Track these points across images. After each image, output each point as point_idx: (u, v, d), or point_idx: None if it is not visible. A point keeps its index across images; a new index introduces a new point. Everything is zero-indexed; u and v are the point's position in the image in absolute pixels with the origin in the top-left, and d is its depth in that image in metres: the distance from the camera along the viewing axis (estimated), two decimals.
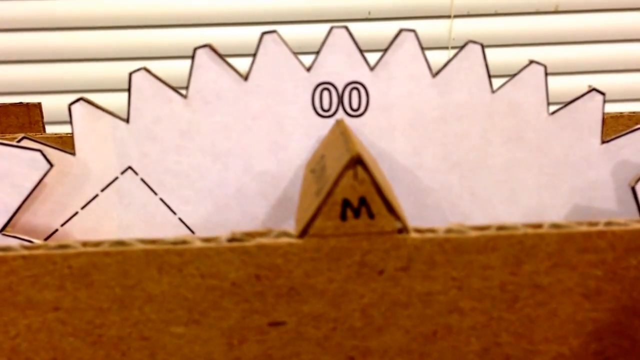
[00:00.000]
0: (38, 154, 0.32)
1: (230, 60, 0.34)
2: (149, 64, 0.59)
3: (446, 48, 0.62)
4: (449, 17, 0.63)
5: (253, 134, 0.35)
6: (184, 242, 0.26)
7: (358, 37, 0.64)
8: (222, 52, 0.33)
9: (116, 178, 0.35)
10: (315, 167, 0.31)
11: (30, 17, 0.60)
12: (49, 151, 0.33)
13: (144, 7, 0.63)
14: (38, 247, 0.26)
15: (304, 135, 0.35)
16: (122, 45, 0.65)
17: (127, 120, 0.34)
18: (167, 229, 0.35)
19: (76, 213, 0.35)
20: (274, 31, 0.34)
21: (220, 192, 0.35)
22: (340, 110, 0.35)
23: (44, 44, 0.62)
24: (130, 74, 0.33)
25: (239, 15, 0.62)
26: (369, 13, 0.62)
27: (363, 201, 0.26)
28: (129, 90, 0.34)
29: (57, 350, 0.27)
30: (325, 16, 0.61)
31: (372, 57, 0.61)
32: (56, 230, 0.35)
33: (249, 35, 0.64)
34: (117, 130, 0.34)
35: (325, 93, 0.34)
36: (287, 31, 0.60)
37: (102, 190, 0.35)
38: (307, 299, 0.27)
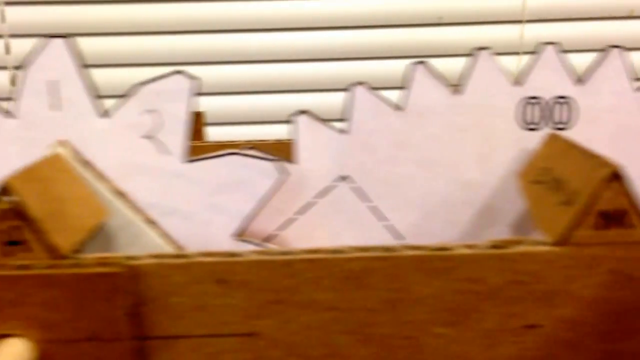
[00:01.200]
0: (271, 164, 0.34)
1: None
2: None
3: (517, 53, 0.63)
4: (520, 21, 0.64)
5: (461, 145, 0.37)
6: (446, 248, 0.29)
7: (429, 43, 0.65)
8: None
9: (332, 186, 0.37)
10: (541, 178, 0.33)
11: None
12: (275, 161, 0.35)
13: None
14: (317, 251, 0.28)
15: (509, 147, 0.37)
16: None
17: (346, 132, 0.37)
18: (375, 236, 0.38)
19: (293, 219, 0.37)
20: (486, 48, 0.36)
21: (428, 200, 0.37)
22: (546, 123, 0.37)
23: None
24: (354, 89, 0.36)
25: (305, 20, 0.62)
26: (440, 18, 0.63)
27: (620, 212, 0.28)
28: (350, 103, 0.36)
29: (330, 346, 0.29)
30: (396, 21, 0.62)
31: (443, 62, 0.62)
32: (272, 234, 0.37)
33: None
34: (337, 142, 0.37)
35: (532, 107, 0.36)
36: (358, 35, 0.60)
37: (318, 197, 0.37)
38: (562, 304, 0.29)
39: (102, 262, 0.27)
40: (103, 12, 0.60)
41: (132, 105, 0.33)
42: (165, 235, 0.34)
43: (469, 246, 0.29)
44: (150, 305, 0.28)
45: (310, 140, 0.37)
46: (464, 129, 0.37)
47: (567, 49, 0.34)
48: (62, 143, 0.33)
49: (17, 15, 0.58)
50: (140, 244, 0.34)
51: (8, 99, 0.55)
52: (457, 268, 0.28)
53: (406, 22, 0.64)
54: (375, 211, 0.38)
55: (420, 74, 0.36)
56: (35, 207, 0.27)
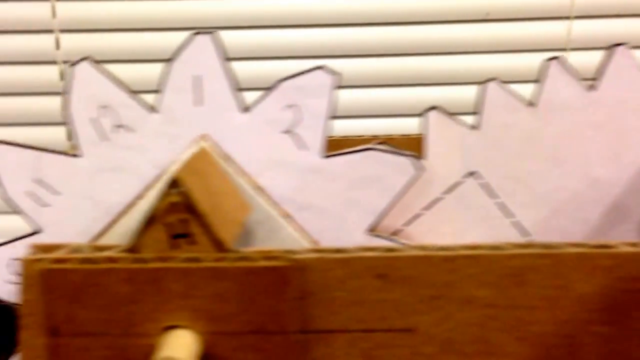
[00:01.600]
0: (407, 160, 0.34)
1: None
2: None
3: (564, 50, 0.62)
4: (568, 18, 0.63)
5: (593, 142, 0.37)
6: (609, 246, 0.28)
7: (476, 39, 0.64)
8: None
9: (460, 182, 0.37)
10: None
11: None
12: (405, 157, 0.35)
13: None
14: (478, 247, 0.28)
15: None
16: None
17: (476, 128, 0.37)
18: (501, 232, 0.38)
19: (419, 214, 0.37)
20: (624, 43, 0.35)
21: (557, 197, 0.37)
22: None
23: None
24: (486, 85, 0.35)
25: (345, 17, 0.61)
26: (487, 14, 0.62)
27: None
28: (482, 99, 0.36)
29: (486, 343, 0.29)
30: (442, 17, 0.62)
31: (491, 59, 0.62)
32: (399, 230, 0.37)
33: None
34: (466, 138, 0.36)
35: None
36: (403, 32, 0.60)
37: (445, 193, 0.37)
38: None
39: (267, 256, 0.27)
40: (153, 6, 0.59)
41: (272, 100, 0.33)
42: (301, 230, 0.34)
43: (633, 244, 0.28)
44: (311, 299, 0.28)
45: (439, 136, 0.36)
46: (597, 126, 0.36)
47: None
48: (204, 138, 0.33)
49: (68, 10, 0.58)
50: (277, 238, 0.34)
51: (57, 93, 0.56)
52: (620, 266, 0.28)
53: (453, 19, 0.64)
54: (503, 207, 0.37)
55: (554, 69, 0.36)
56: (202, 200, 0.27)
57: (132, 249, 0.28)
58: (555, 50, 0.62)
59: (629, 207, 0.38)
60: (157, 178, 0.34)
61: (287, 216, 0.34)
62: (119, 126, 0.33)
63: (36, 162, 0.33)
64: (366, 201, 0.35)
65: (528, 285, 0.28)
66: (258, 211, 0.33)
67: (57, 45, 0.59)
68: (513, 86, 0.36)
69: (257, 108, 0.34)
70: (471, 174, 0.37)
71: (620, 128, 0.37)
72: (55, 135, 0.62)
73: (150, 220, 0.27)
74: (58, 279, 0.27)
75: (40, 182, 0.34)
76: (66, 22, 0.59)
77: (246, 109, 0.34)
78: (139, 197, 0.34)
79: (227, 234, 0.28)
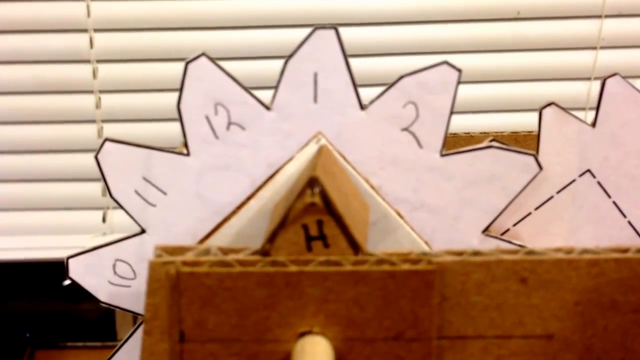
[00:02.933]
0: (531, 158, 0.33)
1: None
2: None
3: (594, 48, 0.61)
4: (599, 17, 0.62)
5: None
6: None
7: (506, 38, 0.63)
8: None
9: (573, 180, 0.36)
10: None
11: None
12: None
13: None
14: (625, 249, 0.27)
15: None
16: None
17: (593, 125, 0.35)
18: (614, 232, 0.36)
19: (529, 214, 0.36)
20: None
21: None
22: None
23: None
24: (606, 81, 0.34)
25: (368, 15, 0.60)
26: (518, 13, 0.61)
27: None
28: (601, 94, 0.35)
29: (628, 351, 0.28)
30: (473, 15, 0.61)
31: (520, 57, 0.61)
32: (507, 229, 0.36)
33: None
34: (582, 135, 0.35)
35: None
36: (433, 30, 0.59)
37: (558, 192, 0.36)
38: None
39: (408, 259, 0.27)
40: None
41: (393, 97, 0.32)
42: (414, 230, 0.33)
43: None
44: (448, 304, 0.27)
45: (555, 133, 0.35)
46: None
47: None
48: (318, 136, 0.33)
49: (102, 9, 0.58)
50: (393, 238, 0.33)
51: (90, 91, 0.56)
52: None
53: (483, 17, 0.63)
54: (616, 207, 0.36)
55: None
56: (337, 201, 0.27)
57: (265, 251, 0.27)
58: (585, 49, 0.61)
59: None
60: (269, 177, 0.33)
61: (400, 214, 0.33)
62: (232, 123, 0.32)
63: (145, 161, 0.33)
64: (482, 200, 0.34)
65: None
66: (374, 211, 0.32)
67: (91, 44, 0.59)
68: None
69: (376, 104, 0.33)
70: (586, 172, 0.36)
71: None
72: (87, 132, 0.61)
73: (286, 221, 0.27)
74: (190, 282, 0.27)
75: (148, 181, 0.33)
76: (101, 22, 0.59)
77: (364, 106, 0.33)
78: (250, 197, 0.33)
79: (361, 235, 0.28)
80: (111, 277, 0.34)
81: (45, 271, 0.64)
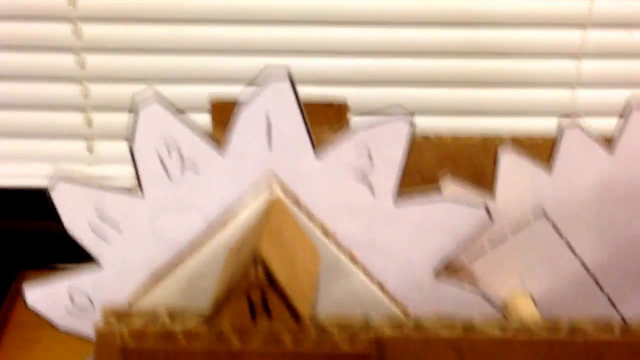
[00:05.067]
0: (483, 212, 0.34)
1: None
2: None
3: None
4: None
5: None
6: None
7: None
8: None
9: (528, 221, 0.37)
10: None
11: None
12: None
13: None
14: (556, 329, 0.28)
15: None
16: None
17: (549, 171, 0.36)
18: (567, 272, 0.38)
19: (484, 252, 0.37)
20: None
21: (627, 241, 0.37)
22: None
23: None
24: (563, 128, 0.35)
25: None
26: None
27: None
28: (559, 142, 0.35)
29: None
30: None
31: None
32: (462, 266, 0.37)
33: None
34: (538, 179, 0.36)
35: None
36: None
37: (513, 233, 0.37)
38: None
39: (349, 334, 0.27)
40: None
41: (347, 147, 0.33)
42: (368, 273, 0.34)
43: None
44: None
45: (511, 175, 0.36)
46: None
47: None
48: (274, 179, 0.33)
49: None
50: (344, 283, 0.34)
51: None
52: None
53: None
54: (569, 247, 0.37)
55: (636, 116, 0.35)
56: (282, 271, 0.27)
57: (211, 318, 0.28)
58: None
59: None
60: (223, 218, 0.33)
61: (353, 258, 0.34)
62: (185, 169, 0.33)
63: (99, 201, 0.33)
64: (434, 246, 0.34)
65: None
66: (326, 256, 0.33)
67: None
68: None
69: (330, 154, 0.33)
70: (541, 214, 0.37)
71: None
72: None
73: (230, 296, 0.27)
74: (137, 357, 0.28)
75: (102, 219, 0.33)
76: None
77: (318, 154, 0.33)
78: (205, 236, 0.34)
79: (305, 303, 0.28)
80: (69, 308, 0.35)
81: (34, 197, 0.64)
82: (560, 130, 0.35)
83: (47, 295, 0.35)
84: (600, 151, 0.36)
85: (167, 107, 0.32)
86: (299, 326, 0.28)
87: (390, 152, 0.33)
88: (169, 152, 0.33)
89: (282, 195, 0.33)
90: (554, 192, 0.36)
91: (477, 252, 0.38)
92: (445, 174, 0.41)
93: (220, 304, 0.28)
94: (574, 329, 0.29)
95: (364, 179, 0.33)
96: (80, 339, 0.36)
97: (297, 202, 0.34)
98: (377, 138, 0.33)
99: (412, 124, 0.33)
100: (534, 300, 0.39)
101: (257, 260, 0.27)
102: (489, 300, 0.36)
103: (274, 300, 0.27)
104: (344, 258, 0.34)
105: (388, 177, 0.33)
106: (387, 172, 0.33)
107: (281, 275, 0.27)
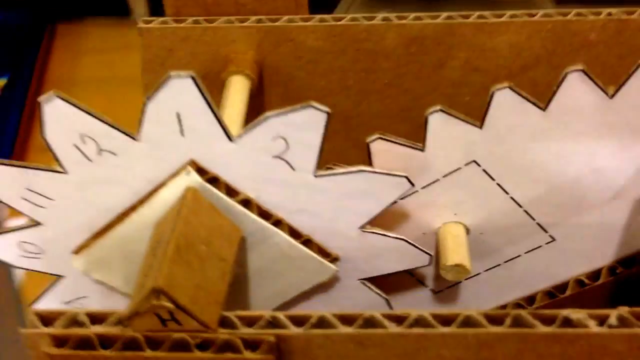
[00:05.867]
0: (403, 179, 0.34)
1: None
2: None
3: None
4: None
5: (602, 139, 0.35)
6: None
7: None
8: None
9: (459, 168, 0.37)
10: None
11: None
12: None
13: None
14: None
15: None
16: None
17: (480, 127, 0.35)
18: (496, 204, 0.39)
19: (416, 191, 0.38)
20: None
21: (559, 181, 0.37)
22: None
23: None
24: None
25: None
26: None
27: None
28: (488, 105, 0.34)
29: None
30: None
31: None
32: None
33: None
34: (469, 134, 0.36)
35: None
36: None
37: (444, 176, 0.37)
38: None
39: (253, 339, 0.30)
40: None
41: (260, 132, 0.32)
42: (295, 230, 0.36)
43: None
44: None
45: (443, 133, 0.36)
46: (610, 127, 0.35)
47: None
48: (191, 164, 0.33)
49: None
50: (270, 245, 0.36)
51: None
52: None
53: None
54: (500, 187, 0.38)
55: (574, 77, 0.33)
56: (186, 291, 0.29)
57: (126, 324, 0.30)
58: None
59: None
60: (149, 192, 0.34)
61: (279, 221, 0.36)
62: (102, 150, 0.33)
63: (23, 177, 0.34)
64: (358, 209, 0.35)
65: None
66: (248, 226, 0.35)
67: None
68: None
69: (244, 137, 0.33)
70: (471, 162, 0.37)
71: (635, 129, 0.35)
72: None
73: (141, 306, 0.30)
74: None
75: (32, 191, 0.35)
76: None
77: (232, 138, 0.33)
78: (133, 208, 0.35)
79: (213, 312, 0.31)
80: (21, 253, 0.38)
81: None
82: (491, 94, 0.34)
83: None
84: (532, 107, 0.35)
85: (71, 101, 0.32)
86: (206, 333, 0.30)
87: (306, 138, 0.32)
88: (83, 140, 0.33)
89: (197, 178, 0.33)
90: (485, 145, 0.36)
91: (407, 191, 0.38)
92: None
93: (133, 312, 0.30)
94: (467, 322, 0.31)
95: (282, 156, 0.33)
96: None
97: (215, 179, 0.34)
98: (291, 126, 0.32)
99: (328, 114, 0.32)
100: (467, 229, 0.40)
101: (159, 292, 0.28)
102: (412, 244, 0.37)
103: (181, 315, 0.30)
104: (265, 223, 0.35)
105: (306, 157, 0.33)
106: (305, 153, 0.33)
107: (185, 298, 0.29)
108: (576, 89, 0.33)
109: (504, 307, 0.43)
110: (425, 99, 0.46)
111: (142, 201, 0.35)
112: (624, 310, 0.29)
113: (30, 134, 0.71)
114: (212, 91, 0.44)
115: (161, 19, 0.43)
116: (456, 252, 0.38)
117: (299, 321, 0.31)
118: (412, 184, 0.34)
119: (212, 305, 0.31)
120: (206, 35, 0.44)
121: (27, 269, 0.39)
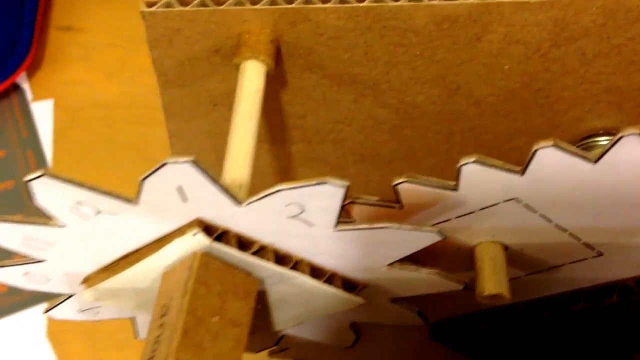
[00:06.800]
0: (435, 235, 0.31)
1: None
2: None
3: None
4: None
5: None
6: None
7: None
8: None
9: (497, 204, 0.34)
10: None
11: None
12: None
13: None
14: None
15: None
16: None
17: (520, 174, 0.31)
18: (538, 232, 0.36)
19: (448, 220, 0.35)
20: None
21: (609, 211, 0.34)
22: None
23: None
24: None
25: None
26: None
27: None
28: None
29: None
30: None
31: None
32: None
33: None
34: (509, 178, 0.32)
35: None
36: None
37: (480, 209, 0.34)
38: None
39: None
40: None
41: (273, 200, 0.29)
42: (317, 268, 0.34)
43: None
44: None
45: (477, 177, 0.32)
46: None
47: None
48: (194, 227, 0.30)
49: None
50: (286, 286, 0.34)
51: None
52: None
53: None
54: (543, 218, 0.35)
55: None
56: None
57: None
58: None
59: None
60: (156, 239, 0.32)
61: (299, 261, 0.33)
62: (101, 212, 0.30)
63: (21, 231, 0.32)
64: (385, 254, 0.33)
65: None
66: (265, 270, 0.33)
67: None
68: None
69: (254, 205, 0.29)
70: (511, 200, 0.33)
71: None
72: None
73: None
74: None
75: (31, 238, 0.33)
76: None
77: (241, 203, 0.30)
78: (140, 254, 0.33)
79: None
80: (27, 280, 0.37)
81: None
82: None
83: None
84: (580, 161, 0.31)
85: (60, 177, 0.28)
86: None
87: (324, 204, 0.29)
88: (79, 204, 0.30)
89: (205, 240, 0.30)
90: (528, 185, 0.32)
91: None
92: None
93: None
94: None
95: (298, 217, 0.30)
96: None
97: (225, 232, 0.31)
98: (305, 195, 0.28)
99: (345, 188, 0.28)
100: (505, 246, 0.37)
101: None
102: (446, 277, 0.35)
103: None
104: (284, 269, 0.33)
105: (326, 219, 0.30)
106: (324, 216, 0.30)
107: None
108: (631, 150, 0.29)
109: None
110: (461, 67, 0.41)
111: (149, 249, 0.32)
112: None
113: (49, 12, 0.69)
114: (226, 70, 0.40)
115: (165, 1, 0.38)
116: (493, 280, 0.35)
117: None
118: (445, 236, 0.31)
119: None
120: (215, 17, 0.38)
121: (37, 290, 0.38)
